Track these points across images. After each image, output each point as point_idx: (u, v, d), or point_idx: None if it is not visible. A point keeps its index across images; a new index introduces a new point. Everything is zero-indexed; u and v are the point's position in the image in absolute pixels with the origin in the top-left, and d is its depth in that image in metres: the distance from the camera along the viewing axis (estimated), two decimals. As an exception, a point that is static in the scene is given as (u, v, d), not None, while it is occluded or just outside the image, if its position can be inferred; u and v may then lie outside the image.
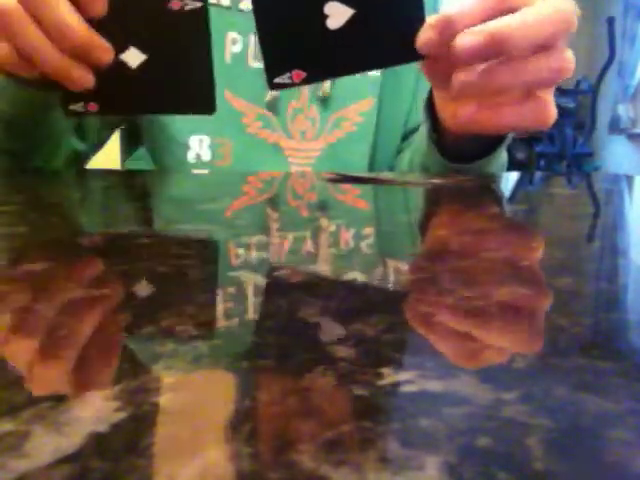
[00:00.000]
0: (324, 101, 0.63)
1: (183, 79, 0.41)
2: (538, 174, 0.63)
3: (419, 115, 0.65)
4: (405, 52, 0.38)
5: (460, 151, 0.50)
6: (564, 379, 0.10)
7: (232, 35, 0.60)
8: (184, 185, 0.46)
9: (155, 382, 0.10)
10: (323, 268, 0.18)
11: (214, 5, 0.58)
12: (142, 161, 0.67)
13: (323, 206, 0.35)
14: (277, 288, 0.16)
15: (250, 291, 0.16)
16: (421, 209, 0.36)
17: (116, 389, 0.09)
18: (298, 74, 0.39)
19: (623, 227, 0.30)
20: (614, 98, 4.05)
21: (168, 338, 0.12)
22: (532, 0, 0.37)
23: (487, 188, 0.45)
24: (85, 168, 0.61)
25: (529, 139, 4.00)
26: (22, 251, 0.21)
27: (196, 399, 0.09)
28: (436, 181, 0.43)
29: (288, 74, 0.39)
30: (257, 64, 0.60)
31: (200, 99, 0.41)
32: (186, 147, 0.59)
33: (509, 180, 0.54)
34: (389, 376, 0.10)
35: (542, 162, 3.81)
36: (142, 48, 0.40)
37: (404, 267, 0.19)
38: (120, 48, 0.40)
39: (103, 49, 0.39)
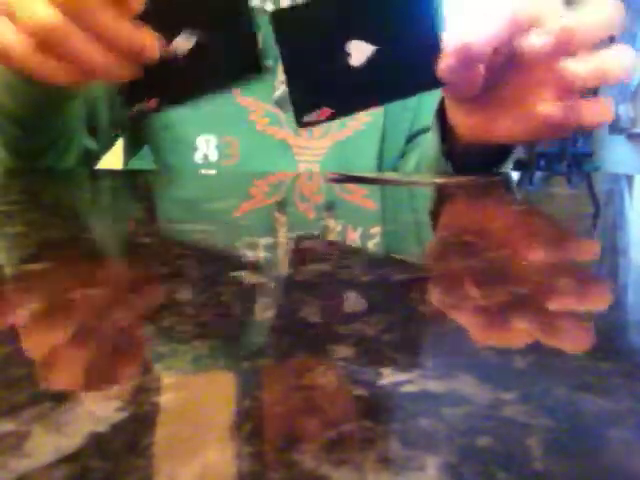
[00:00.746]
0: None
1: (228, 49, 0.41)
2: (538, 174, 0.63)
3: (423, 118, 0.65)
4: (427, 80, 0.40)
5: (465, 162, 0.50)
6: (564, 379, 0.10)
7: None
8: (191, 185, 0.46)
9: (155, 382, 0.10)
10: (323, 268, 0.18)
11: None
12: (144, 161, 0.67)
13: (327, 206, 0.35)
14: (277, 288, 0.16)
15: (250, 291, 0.16)
16: (426, 209, 0.36)
17: (116, 389, 0.09)
18: (325, 111, 0.40)
19: (623, 227, 0.30)
20: (614, 98, 4.04)
21: (168, 338, 0.12)
22: (543, 21, 0.38)
23: (492, 187, 0.45)
24: (93, 168, 0.61)
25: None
26: (23, 251, 0.21)
27: (196, 399, 0.09)
28: (440, 181, 0.43)
29: (316, 111, 0.40)
30: (265, 62, 0.60)
31: (247, 62, 0.41)
32: (193, 148, 0.59)
33: (509, 180, 0.54)
34: (389, 376, 0.10)
35: (542, 162, 3.81)
36: (193, 31, 0.40)
37: (405, 267, 0.19)
38: (170, 35, 0.39)
39: (150, 46, 0.38)
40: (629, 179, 0.54)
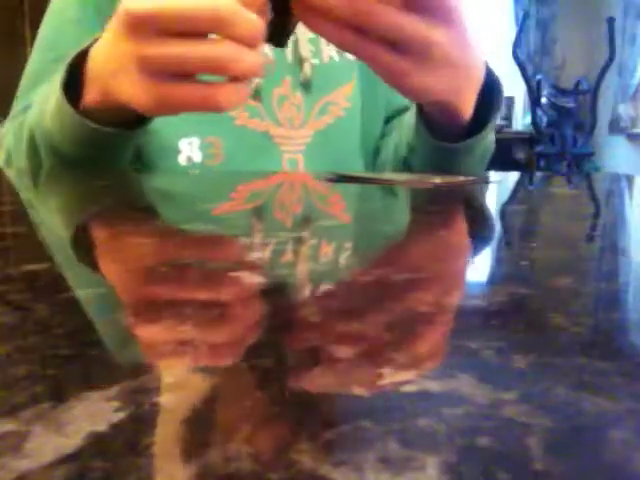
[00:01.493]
0: (307, 87, 0.63)
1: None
2: (538, 174, 0.63)
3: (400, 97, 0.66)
4: None
5: (447, 134, 0.51)
6: (564, 379, 0.10)
7: None
8: (178, 187, 0.46)
9: (155, 382, 0.10)
10: (323, 268, 0.18)
11: None
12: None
13: (321, 207, 0.35)
14: (277, 288, 0.16)
15: (250, 291, 0.16)
16: (423, 210, 0.36)
17: (116, 389, 0.09)
18: None
19: (623, 227, 0.30)
20: (614, 98, 4.05)
21: (168, 338, 0.12)
22: None
23: (487, 189, 0.45)
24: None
25: (529, 139, 4.01)
26: (19, 250, 0.21)
27: (196, 399, 0.09)
28: (437, 182, 0.43)
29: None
30: None
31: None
32: (177, 151, 0.59)
33: (509, 180, 0.54)
34: (389, 376, 0.10)
35: (542, 162, 3.81)
36: None
37: (405, 266, 0.19)
38: None
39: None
40: (629, 179, 0.54)
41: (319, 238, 0.23)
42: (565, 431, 0.08)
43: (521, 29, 3.81)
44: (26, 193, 0.39)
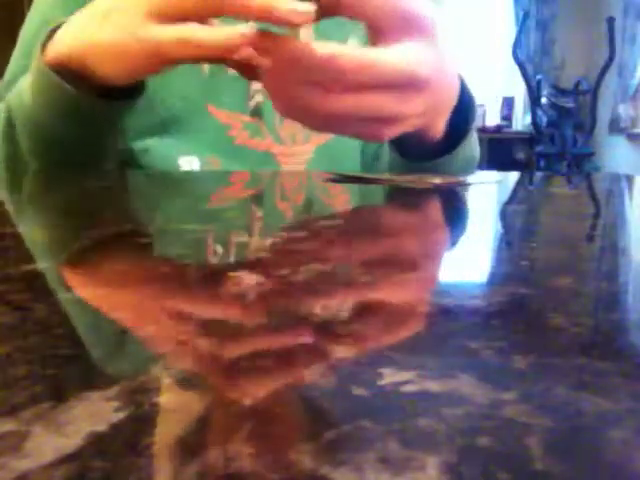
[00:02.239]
0: None
1: None
2: (538, 174, 0.63)
3: None
4: None
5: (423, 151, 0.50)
6: (564, 379, 0.10)
7: None
8: (177, 187, 0.46)
9: (155, 382, 0.10)
10: (323, 267, 0.18)
11: None
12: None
13: (325, 206, 0.35)
14: (277, 287, 0.16)
15: (249, 291, 0.16)
16: (422, 210, 0.36)
17: (116, 389, 0.09)
18: None
19: (623, 227, 0.30)
20: (614, 98, 4.05)
21: (168, 338, 0.12)
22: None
23: (487, 189, 0.45)
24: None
25: (529, 139, 4.01)
26: (18, 251, 0.21)
27: (196, 399, 0.09)
28: (437, 182, 0.43)
29: None
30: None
31: None
32: (177, 167, 0.58)
33: (509, 180, 0.54)
34: (389, 376, 0.10)
35: (542, 162, 3.81)
36: None
37: (404, 266, 0.19)
38: None
39: None
40: (629, 179, 0.54)
41: (316, 237, 0.23)
42: (565, 431, 0.08)
43: (521, 29, 3.81)
44: (18, 195, 0.39)
